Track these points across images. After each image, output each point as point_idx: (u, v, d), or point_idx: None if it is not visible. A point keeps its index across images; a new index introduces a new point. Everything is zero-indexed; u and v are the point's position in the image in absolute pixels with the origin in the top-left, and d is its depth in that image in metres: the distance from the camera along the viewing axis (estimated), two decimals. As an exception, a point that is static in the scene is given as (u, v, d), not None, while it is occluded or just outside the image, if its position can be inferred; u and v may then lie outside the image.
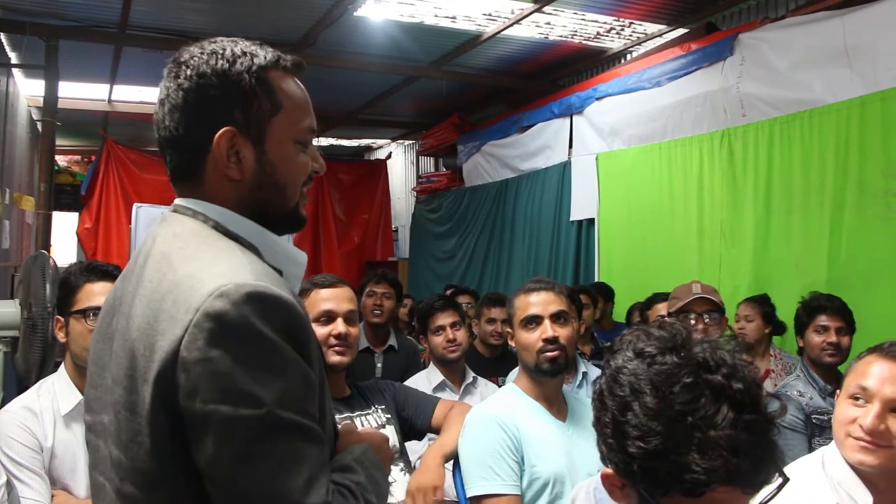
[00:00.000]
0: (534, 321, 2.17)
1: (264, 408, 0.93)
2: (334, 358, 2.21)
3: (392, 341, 4.07)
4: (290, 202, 1.18)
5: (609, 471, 1.11)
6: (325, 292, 2.27)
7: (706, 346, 1.05)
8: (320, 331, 2.20)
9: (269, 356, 0.96)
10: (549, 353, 2.12)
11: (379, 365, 3.94)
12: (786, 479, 1.04)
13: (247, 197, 1.14)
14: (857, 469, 1.59)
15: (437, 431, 2.35)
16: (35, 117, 7.82)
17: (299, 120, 1.17)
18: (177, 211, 1.15)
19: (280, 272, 1.12)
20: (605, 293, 5.24)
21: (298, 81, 1.19)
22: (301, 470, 0.95)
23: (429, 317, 3.44)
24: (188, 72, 1.10)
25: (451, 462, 2.21)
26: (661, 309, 4.07)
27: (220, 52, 1.12)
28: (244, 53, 1.13)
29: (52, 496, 1.93)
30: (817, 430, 2.98)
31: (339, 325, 2.23)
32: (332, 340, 2.21)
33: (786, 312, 4.10)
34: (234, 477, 0.93)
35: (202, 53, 1.12)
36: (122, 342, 1.05)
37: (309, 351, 1.02)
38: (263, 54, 1.14)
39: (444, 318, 3.36)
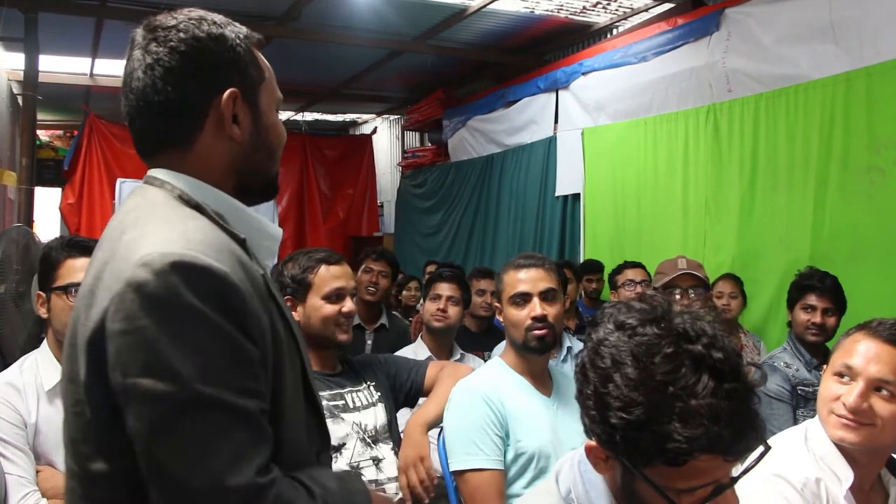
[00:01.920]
0: (523, 298, 2.15)
1: (183, 382, 0.90)
2: (342, 336, 2.22)
3: (384, 319, 4.07)
4: (275, 167, 1.20)
5: (593, 443, 1.12)
6: (334, 269, 2.25)
7: (686, 318, 1.06)
8: (330, 308, 2.20)
9: (191, 328, 0.92)
10: (537, 332, 2.12)
11: (369, 342, 3.94)
12: (767, 448, 1.05)
13: (240, 160, 1.14)
14: (839, 445, 1.61)
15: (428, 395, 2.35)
16: (15, 91, 7.69)
17: (275, 89, 1.21)
18: (147, 182, 1.14)
19: (244, 241, 1.10)
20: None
21: None
22: (222, 448, 0.91)
23: (433, 282, 3.48)
24: (181, 35, 1.08)
25: (437, 435, 2.22)
26: (630, 274, 4.12)
27: (207, 18, 1.12)
28: (228, 22, 1.14)
29: (37, 472, 1.93)
30: (802, 402, 3.02)
31: (349, 303, 2.23)
32: (342, 319, 2.21)
33: (769, 288, 4.14)
34: (154, 452, 0.92)
35: (189, 20, 1.11)
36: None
37: (247, 326, 0.97)
38: (239, 26, 1.16)
39: (445, 289, 3.38)
